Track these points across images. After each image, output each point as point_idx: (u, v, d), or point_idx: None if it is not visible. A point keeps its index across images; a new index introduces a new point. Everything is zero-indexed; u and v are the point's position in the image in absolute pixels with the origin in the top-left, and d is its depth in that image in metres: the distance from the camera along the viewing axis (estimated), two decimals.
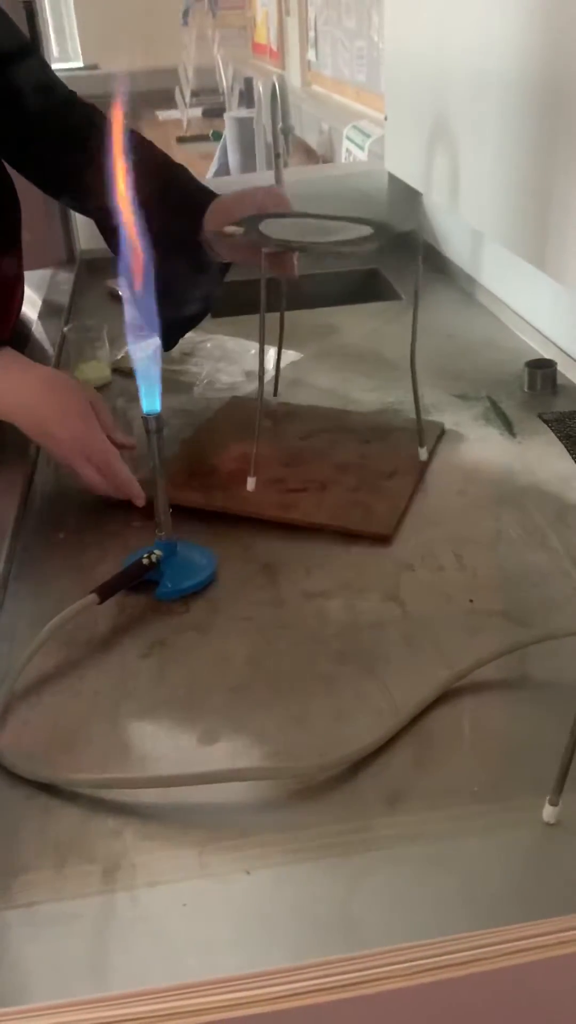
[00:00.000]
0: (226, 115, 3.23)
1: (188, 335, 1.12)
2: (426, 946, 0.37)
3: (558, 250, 0.82)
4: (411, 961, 0.37)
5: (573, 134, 0.77)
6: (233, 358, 1.06)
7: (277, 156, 1.40)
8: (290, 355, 1.05)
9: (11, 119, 0.86)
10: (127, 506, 0.75)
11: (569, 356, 0.97)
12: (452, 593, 0.63)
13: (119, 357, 1.03)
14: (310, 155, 2.58)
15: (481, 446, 0.83)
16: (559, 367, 0.94)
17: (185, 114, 4.09)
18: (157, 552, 0.64)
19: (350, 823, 0.46)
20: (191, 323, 0.91)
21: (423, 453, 0.79)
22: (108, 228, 0.87)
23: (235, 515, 0.73)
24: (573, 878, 0.43)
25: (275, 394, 0.90)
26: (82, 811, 0.48)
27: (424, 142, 1.16)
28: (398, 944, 0.38)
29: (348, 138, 1.98)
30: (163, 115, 4.07)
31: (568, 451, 0.81)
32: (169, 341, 0.87)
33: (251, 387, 0.92)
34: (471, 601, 0.62)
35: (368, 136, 1.82)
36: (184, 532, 0.68)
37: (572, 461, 0.79)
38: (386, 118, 1.37)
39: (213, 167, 3.12)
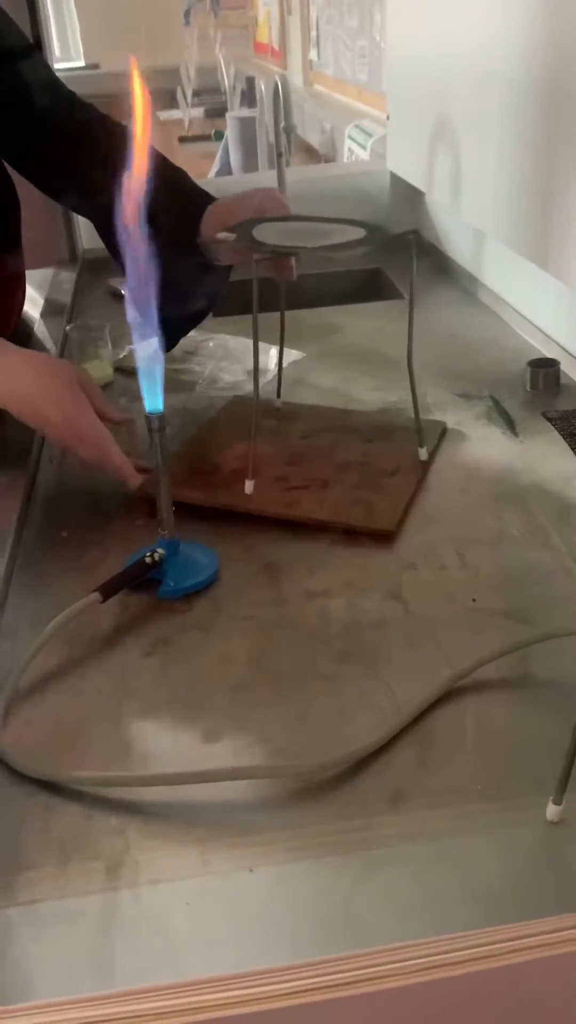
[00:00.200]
0: (228, 115, 3.23)
1: (190, 334, 1.12)
2: (428, 944, 0.37)
3: (560, 249, 0.82)
4: (413, 959, 0.37)
5: (575, 133, 0.77)
6: (235, 357, 1.07)
7: (279, 155, 1.40)
8: (293, 354, 1.05)
9: (11, 119, 0.86)
10: (129, 505, 0.75)
11: (571, 355, 0.97)
12: (454, 592, 0.63)
13: (121, 356, 1.03)
14: (312, 155, 2.59)
15: (483, 445, 0.83)
16: (562, 366, 0.94)
17: (187, 114, 4.09)
18: (160, 551, 0.64)
19: (352, 822, 0.46)
20: (191, 324, 0.91)
21: (423, 453, 0.79)
22: (105, 229, 0.87)
23: (237, 514, 0.73)
24: (575, 877, 0.43)
25: (278, 395, 0.90)
26: (85, 809, 0.48)
27: (426, 141, 1.16)
28: (400, 942, 0.38)
29: (350, 137, 1.98)
30: (165, 115, 4.08)
31: (572, 449, 0.81)
32: (169, 342, 0.87)
33: (251, 387, 0.92)
34: (473, 600, 0.62)
35: (370, 135, 1.82)
36: (186, 531, 0.68)
37: (575, 460, 0.79)
38: (388, 117, 1.37)
39: (215, 167, 3.13)
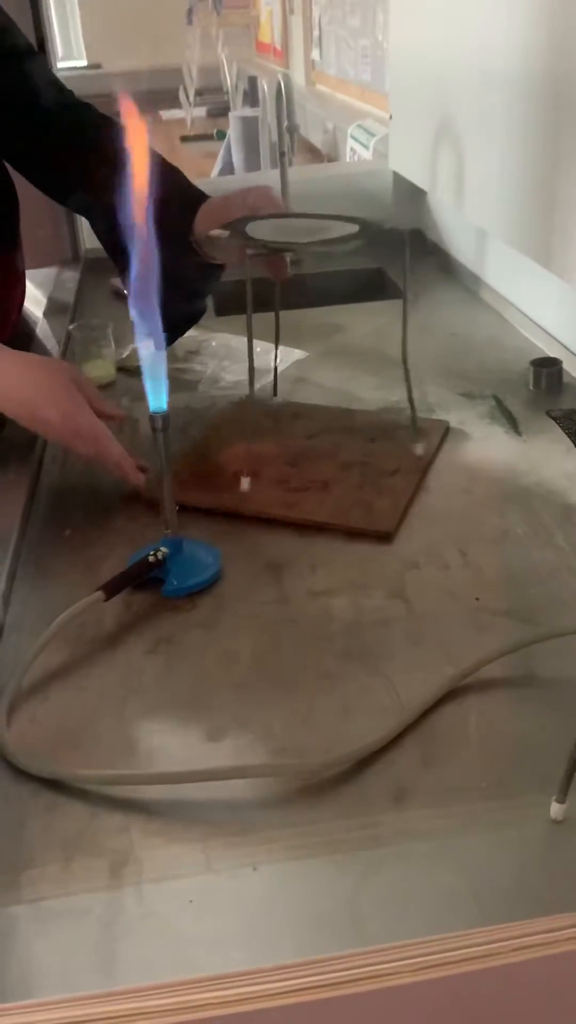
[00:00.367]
0: (230, 114, 3.23)
1: (192, 333, 1.12)
2: (432, 943, 0.37)
3: (563, 248, 0.82)
4: (416, 958, 0.37)
5: None
6: (237, 356, 1.07)
7: (282, 155, 1.40)
8: (295, 353, 1.05)
9: (10, 119, 0.86)
10: (133, 504, 0.75)
11: (574, 354, 0.97)
12: (457, 591, 0.63)
13: (124, 356, 1.03)
14: (314, 154, 2.58)
15: (486, 444, 0.83)
16: (564, 365, 0.94)
17: (189, 113, 4.09)
18: (163, 549, 0.64)
19: (355, 820, 0.46)
20: (187, 324, 0.91)
21: (419, 448, 0.79)
22: (102, 228, 0.87)
23: (239, 514, 0.73)
24: None
25: (274, 393, 0.90)
26: (89, 807, 0.48)
27: (429, 141, 1.16)
28: (403, 941, 0.38)
29: (352, 137, 1.98)
30: (167, 114, 4.08)
31: None
32: (166, 341, 0.87)
33: (256, 385, 0.92)
34: (477, 599, 0.62)
35: (373, 135, 1.82)
36: (190, 530, 0.68)
37: None
38: (391, 117, 1.37)
39: (217, 166, 3.13)
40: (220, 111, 3.87)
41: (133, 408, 0.94)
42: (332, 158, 2.38)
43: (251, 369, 0.74)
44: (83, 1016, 0.36)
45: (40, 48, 1.29)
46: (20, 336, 1.10)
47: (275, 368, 0.91)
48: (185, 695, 0.56)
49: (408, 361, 0.78)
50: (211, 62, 4.04)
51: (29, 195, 0.92)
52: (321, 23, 2.68)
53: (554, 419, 0.87)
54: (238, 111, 3.37)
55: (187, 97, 4.10)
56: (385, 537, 0.70)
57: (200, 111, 4.10)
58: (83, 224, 1.41)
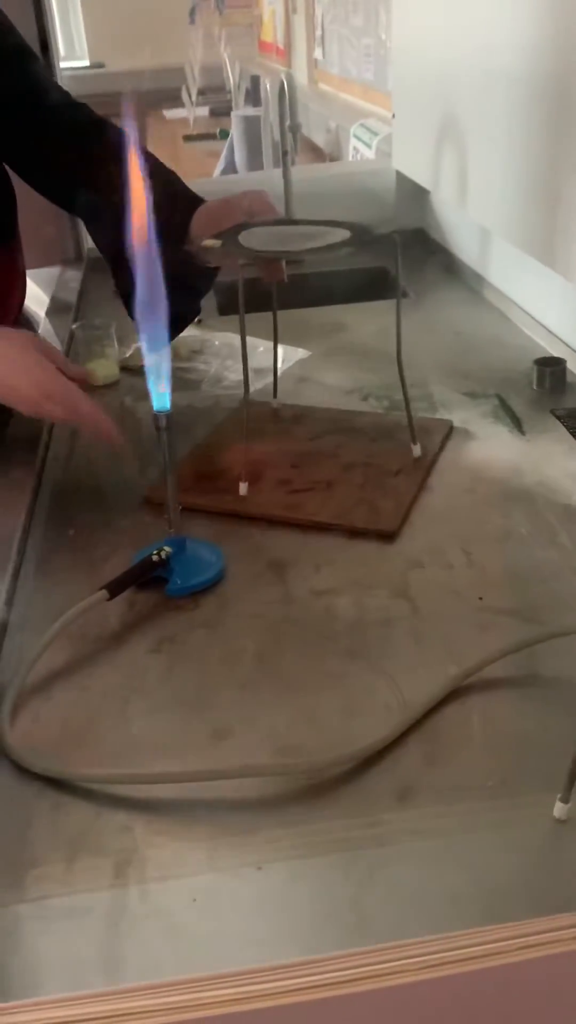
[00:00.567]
0: (233, 113, 3.23)
1: (196, 333, 1.13)
2: (436, 941, 0.37)
3: (566, 247, 0.82)
4: (421, 956, 0.37)
5: None
6: (240, 355, 1.06)
7: (285, 154, 1.40)
8: (298, 353, 1.05)
9: (6, 121, 0.86)
10: (136, 503, 0.75)
11: None
12: (461, 590, 0.63)
13: (128, 355, 1.03)
14: (317, 154, 2.59)
15: (490, 444, 0.83)
16: (568, 365, 0.94)
17: (191, 113, 4.09)
18: (166, 549, 0.64)
19: (359, 819, 0.46)
20: (180, 326, 0.91)
21: (416, 450, 0.79)
22: (97, 230, 0.87)
23: (242, 515, 0.73)
24: None
25: (275, 395, 0.90)
26: (92, 806, 0.48)
27: (432, 140, 1.16)
28: (408, 939, 0.38)
29: (355, 136, 1.98)
30: (169, 114, 4.08)
31: None
32: None
33: (258, 385, 0.92)
34: (480, 598, 0.62)
35: (376, 134, 1.82)
36: (193, 530, 0.68)
37: None
38: (393, 116, 1.37)
39: (220, 165, 3.13)
40: (223, 110, 3.88)
41: (137, 408, 0.95)
42: (335, 157, 2.38)
43: (245, 372, 0.74)
44: (87, 1014, 0.36)
45: (43, 48, 1.29)
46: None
47: (275, 370, 0.91)
48: (189, 694, 0.56)
49: (410, 361, 0.78)
50: (214, 61, 4.04)
51: (32, 194, 0.92)
52: (324, 22, 2.68)
53: (558, 418, 0.87)
54: (241, 110, 3.37)
55: (189, 96, 4.10)
56: (388, 537, 0.70)
57: (203, 110, 4.11)
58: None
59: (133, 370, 1.01)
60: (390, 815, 0.47)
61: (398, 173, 1.42)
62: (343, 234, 0.75)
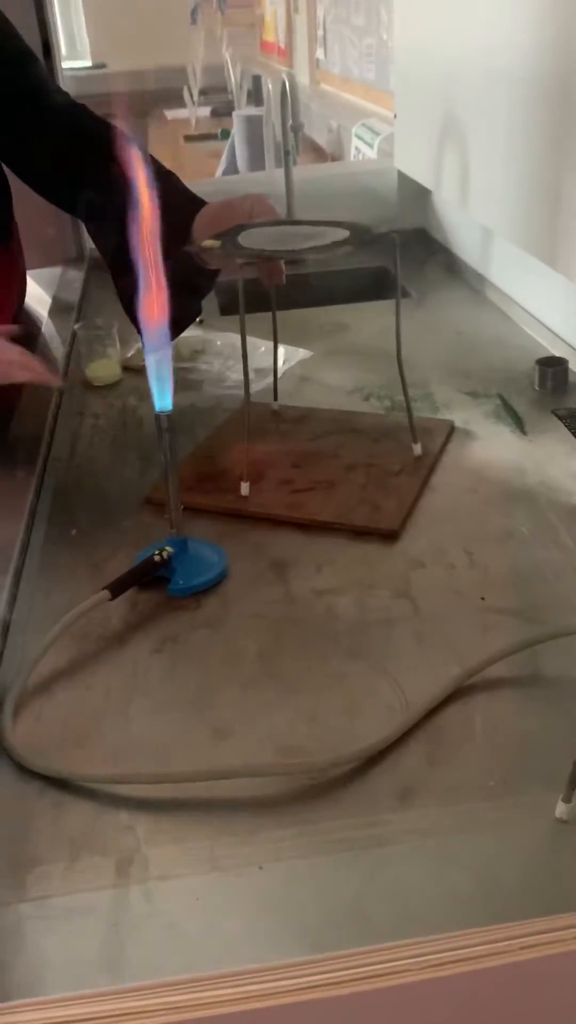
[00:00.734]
0: (235, 113, 3.23)
1: (198, 333, 1.13)
2: (438, 941, 0.37)
3: (568, 247, 0.82)
4: (422, 956, 0.37)
5: None
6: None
7: (286, 154, 1.40)
8: (300, 352, 1.05)
9: (4, 122, 0.86)
10: (139, 503, 0.75)
11: None
12: (463, 590, 0.63)
13: (130, 355, 1.03)
14: (319, 153, 2.58)
15: (492, 444, 0.83)
16: (570, 365, 0.94)
17: (193, 113, 4.09)
18: (168, 548, 0.64)
19: (362, 819, 0.46)
20: (180, 327, 0.91)
21: (417, 448, 0.79)
22: (95, 233, 0.87)
23: (244, 515, 0.73)
24: None
25: (275, 397, 0.90)
26: (94, 806, 0.48)
27: (434, 140, 1.16)
28: (409, 939, 0.38)
29: (357, 136, 1.98)
30: (171, 114, 4.08)
31: None
32: None
33: (260, 386, 0.92)
34: (482, 598, 0.62)
35: (377, 134, 1.82)
36: (195, 530, 0.69)
37: None
38: (395, 116, 1.37)
39: (222, 166, 3.13)
40: (224, 110, 3.88)
41: (139, 408, 0.95)
42: (336, 157, 2.38)
43: (246, 372, 0.74)
44: (89, 1013, 0.36)
45: (45, 48, 1.29)
46: (25, 336, 1.11)
47: (275, 373, 0.91)
48: (191, 694, 0.56)
49: (412, 361, 0.78)
50: (215, 61, 4.04)
51: (35, 194, 0.92)
52: (325, 22, 2.68)
53: (560, 418, 0.86)
54: (242, 110, 3.37)
55: (191, 96, 4.10)
56: (390, 536, 0.70)
57: (204, 110, 4.10)
58: None
59: (135, 370, 1.01)
60: (392, 815, 0.47)
61: (400, 173, 1.42)
62: (342, 234, 0.75)
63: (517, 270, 1.12)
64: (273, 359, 0.90)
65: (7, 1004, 0.37)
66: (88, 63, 4.40)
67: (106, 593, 0.61)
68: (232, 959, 0.39)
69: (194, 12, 4.18)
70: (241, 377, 0.97)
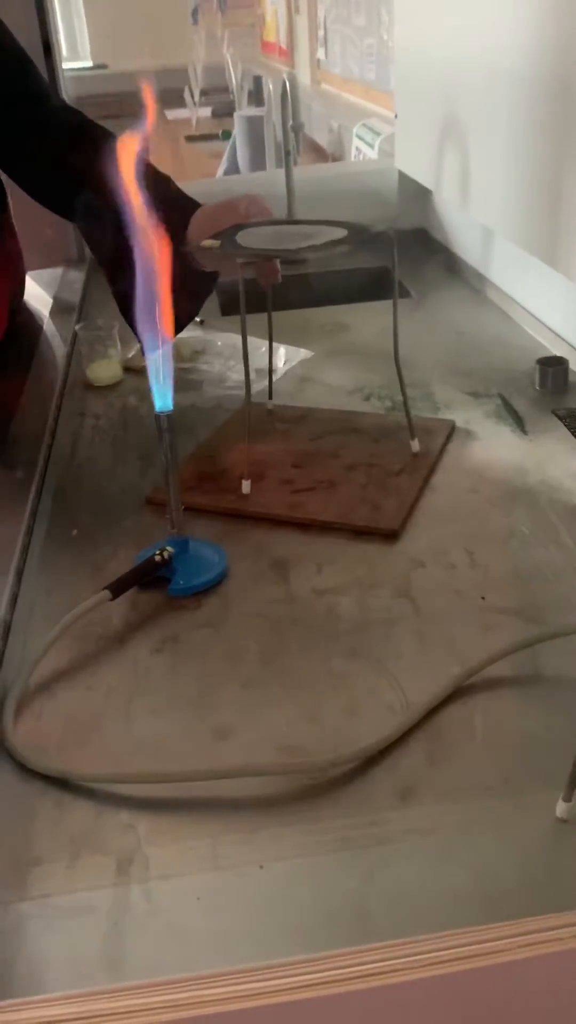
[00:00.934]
0: (236, 114, 3.24)
1: (199, 334, 1.13)
2: (437, 939, 0.37)
3: (569, 247, 0.82)
4: (423, 954, 0.37)
5: None
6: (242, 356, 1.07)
7: (287, 154, 1.40)
8: (301, 353, 1.05)
9: (3, 129, 0.86)
10: (139, 503, 0.76)
11: None
12: (464, 590, 0.63)
13: (130, 356, 1.04)
14: (319, 154, 2.59)
15: (492, 444, 0.83)
16: (571, 364, 0.94)
17: (194, 113, 4.09)
18: (168, 549, 0.65)
19: (362, 818, 0.47)
20: (176, 329, 0.91)
21: (415, 445, 0.79)
22: (94, 238, 0.87)
23: (244, 515, 0.73)
24: None
25: (269, 397, 0.91)
26: (95, 805, 0.49)
27: (434, 140, 1.16)
28: (409, 937, 0.38)
29: (358, 136, 1.98)
30: (172, 114, 4.08)
31: None
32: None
33: (260, 385, 0.92)
34: (483, 598, 0.62)
35: (378, 134, 1.82)
36: (195, 529, 0.69)
37: None
38: (396, 116, 1.37)
39: (223, 166, 3.13)
40: (225, 111, 3.88)
41: (139, 408, 0.95)
42: (337, 157, 2.38)
43: (247, 372, 0.74)
44: (89, 1012, 0.36)
45: (45, 49, 1.29)
46: (20, 329, 1.11)
47: (270, 372, 0.91)
48: (191, 693, 0.56)
49: (412, 361, 0.78)
50: (216, 62, 4.04)
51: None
52: (326, 22, 2.68)
53: (559, 418, 0.87)
54: (243, 111, 3.37)
55: (192, 97, 4.10)
56: (391, 536, 0.70)
57: (205, 111, 4.11)
58: None
59: (136, 371, 1.01)
60: (392, 814, 0.47)
61: (400, 173, 1.42)
62: (340, 233, 0.75)
63: (517, 270, 1.12)
64: (268, 358, 0.90)
65: (8, 1002, 0.37)
66: (89, 64, 4.41)
67: (107, 593, 0.61)
68: (232, 958, 0.40)
69: (195, 12, 4.19)
70: (241, 377, 0.97)
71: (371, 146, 1.84)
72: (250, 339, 0.73)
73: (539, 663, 0.56)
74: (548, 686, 0.55)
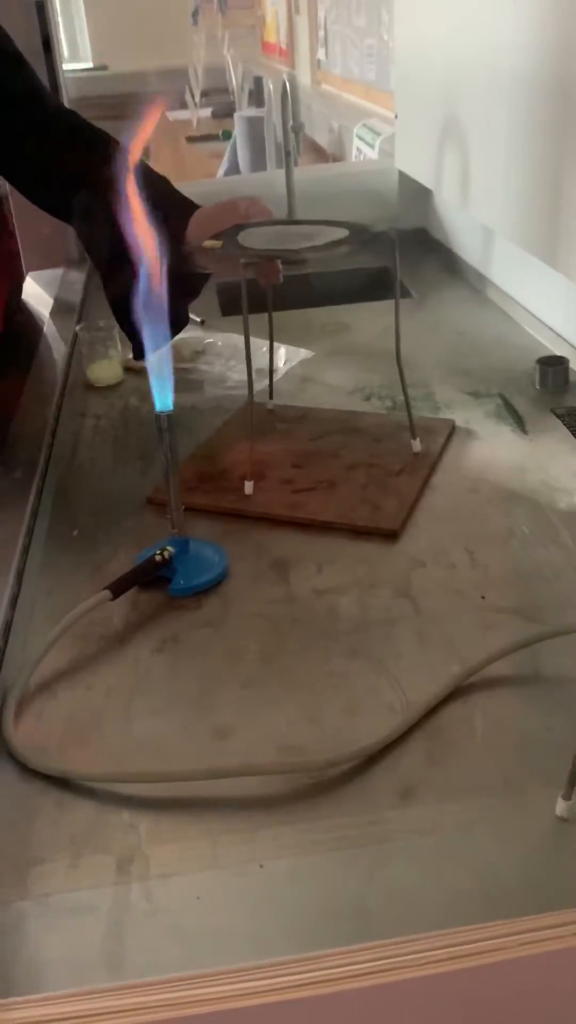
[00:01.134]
0: (236, 114, 3.24)
1: (199, 334, 1.13)
2: (437, 937, 0.37)
3: (569, 246, 0.82)
4: (422, 952, 0.37)
5: None
6: (243, 356, 1.07)
7: (287, 155, 1.40)
8: (301, 353, 1.05)
9: None
10: (140, 503, 0.76)
11: None
12: (464, 589, 0.63)
13: (131, 356, 1.04)
14: (320, 154, 2.59)
15: (492, 443, 0.83)
16: (570, 364, 0.94)
17: (195, 114, 4.10)
18: (169, 549, 0.65)
19: (362, 817, 0.47)
20: (175, 330, 0.91)
21: (416, 445, 0.79)
22: (89, 240, 0.87)
23: (245, 515, 0.73)
24: None
25: (270, 397, 0.91)
26: (96, 804, 0.49)
27: (434, 140, 1.16)
28: (410, 935, 0.39)
29: (358, 136, 1.98)
30: (173, 115, 4.08)
31: None
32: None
33: (261, 385, 0.92)
34: (483, 597, 0.63)
35: (378, 134, 1.82)
36: (196, 529, 0.69)
37: None
38: (396, 116, 1.37)
39: (223, 166, 3.14)
40: (226, 111, 3.88)
41: (140, 408, 0.95)
42: (338, 158, 2.38)
43: (249, 372, 0.75)
44: (89, 1010, 0.36)
45: (46, 50, 1.29)
46: (21, 330, 1.11)
47: (270, 372, 0.91)
48: (192, 693, 0.56)
49: (413, 361, 0.78)
50: (216, 63, 4.05)
51: None
52: (326, 23, 2.68)
53: (558, 417, 0.87)
54: (244, 111, 3.38)
55: (193, 98, 4.10)
56: (391, 536, 0.70)
57: (206, 112, 4.11)
58: None
59: (136, 371, 1.01)
60: (392, 813, 0.47)
61: (401, 173, 1.42)
62: (341, 233, 0.75)
63: (518, 270, 1.13)
64: (269, 358, 0.90)
65: (8, 1000, 0.37)
66: (90, 65, 4.41)
67: (107, 593, 0.61)
68: (233, 957, 0.40)
69: (195, 13, 4.19)
70: (241, 377, 0.97)
71: (371, 146, 1.85)
72: (251, 339, 0.73)
73: (539, 662, 0.56)
74: (548, 685, 0.55)
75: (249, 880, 0.44)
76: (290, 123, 1.37)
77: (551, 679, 0.56)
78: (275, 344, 0.90)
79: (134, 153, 0.64)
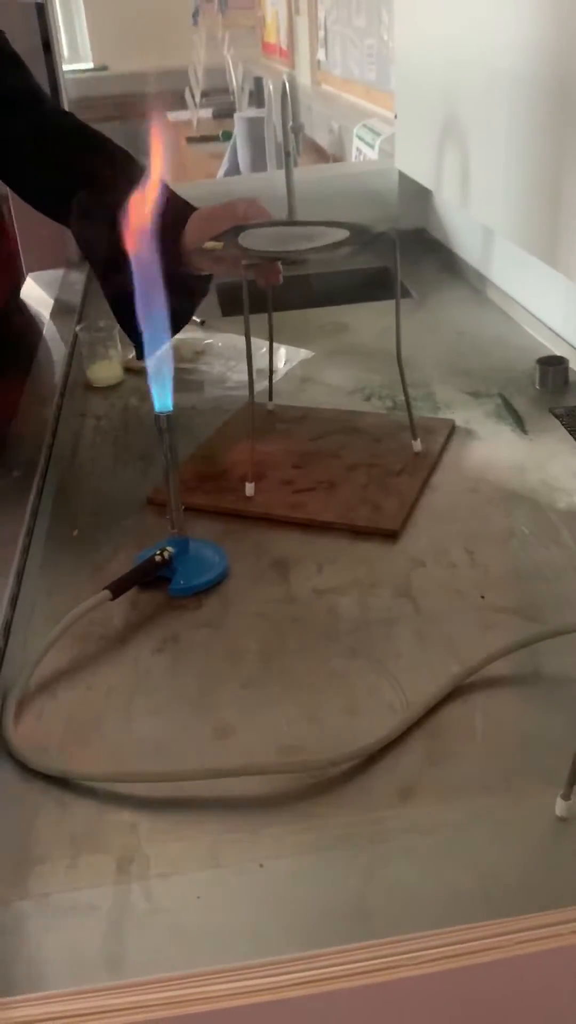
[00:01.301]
0: (236, 115, 3.24)
1: (199, 335, 1.13)
2: (437, 935, 0.38)
3: (569, 246, 0.82)
4: (422, 951, 0.37)
5: None
6: (243, 356, 1.07)
7: (287, 155, 1.41)
8: (301, 353, 1.05)
9: None
10: (140, 503, 0.76)
11: None
12: (464, 589, 0.64)
13: (131, 356, 1.04)
14: (320, 154, 2.59)
15: (492, 443, 0.83)
16: (570, 364, 0.94)
17: (195, 114, 4.10)
18: (169, 549, 0.65)
19: (362, 816, 0.47)
20: (173, 331, 0.91)
21: (417, 445, 0.79)
22: (87, 242, 0.87)
23: (245, 515, 0.73)
24: None
25: (270, 398, 0.91)
26: (96, 804, 0.49)
27: (434, 140, 1.16)
28: (409, 934, 0.39)
29: (358, 137, 1.98)
30: (173, 116, 4.09)
31: None
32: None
33: (261, 386, 0.92)
34: (483, 597, 0.63)
35: (378, 135, 1.82)
36: (196, 529, 0.69)
37: None
38: (396, 117, 1.37)
39: (223, 167, 3.14)
40: (226, 112, 3.89)
41: (140, 408, 0.95)
42: (338, 158, 2.38)
43: (250, 372, 0.75)
44: (90, 1008, 0.36)
45: (46, 50, 1.30)
46: (21, 330, 1.11)
47: (270, 372, 0.91)
48: (192, 693, 0.56)
49: (413, 361, 0.78)
50: (217, 63, 4.05)
51: None
52: (327, 23, 2.68)
53: (557, 417, 0.87)
54: (244, 112, 3.38)
55: (193, 98, 4.11)
56: (391, 536, 0.70)
57: (206, 112, 4.12)
58: None
59: (136, 371, 1.01)
60: (392, 812, 0.47)
61: (401, 173, 1.42)
62: (342, 234, 0.75)
63: (518, 270, 1.13)
64: (269, 359, 0.90)
65: (8, 999, 0.37)
66: (90, 65, 4.41)
67: (107, 593, 0.61)
68: (232, 956, 0.40)
69: (195, 14, 4.19)
70: (241, 378, 0.97)
71: (371, 146, 1.85)
72: (251, 339, 0.74)
73: (538, 662, 0.56)
74: (547, 685, 0.55)
75: (249, 880, 0.44)
76: (290, 124, 1.37)
77: (551, 679, 0.56)
78: (275, 344, 0.90)
79: (154, 185, 0.63)
